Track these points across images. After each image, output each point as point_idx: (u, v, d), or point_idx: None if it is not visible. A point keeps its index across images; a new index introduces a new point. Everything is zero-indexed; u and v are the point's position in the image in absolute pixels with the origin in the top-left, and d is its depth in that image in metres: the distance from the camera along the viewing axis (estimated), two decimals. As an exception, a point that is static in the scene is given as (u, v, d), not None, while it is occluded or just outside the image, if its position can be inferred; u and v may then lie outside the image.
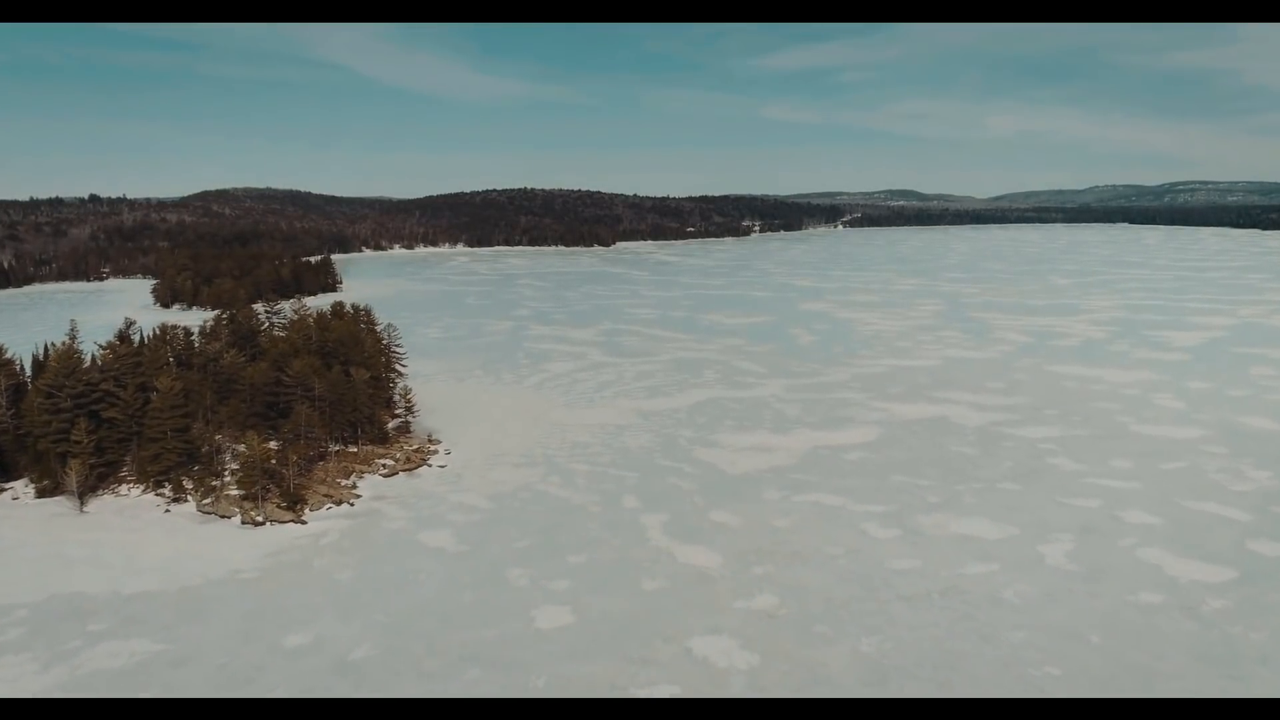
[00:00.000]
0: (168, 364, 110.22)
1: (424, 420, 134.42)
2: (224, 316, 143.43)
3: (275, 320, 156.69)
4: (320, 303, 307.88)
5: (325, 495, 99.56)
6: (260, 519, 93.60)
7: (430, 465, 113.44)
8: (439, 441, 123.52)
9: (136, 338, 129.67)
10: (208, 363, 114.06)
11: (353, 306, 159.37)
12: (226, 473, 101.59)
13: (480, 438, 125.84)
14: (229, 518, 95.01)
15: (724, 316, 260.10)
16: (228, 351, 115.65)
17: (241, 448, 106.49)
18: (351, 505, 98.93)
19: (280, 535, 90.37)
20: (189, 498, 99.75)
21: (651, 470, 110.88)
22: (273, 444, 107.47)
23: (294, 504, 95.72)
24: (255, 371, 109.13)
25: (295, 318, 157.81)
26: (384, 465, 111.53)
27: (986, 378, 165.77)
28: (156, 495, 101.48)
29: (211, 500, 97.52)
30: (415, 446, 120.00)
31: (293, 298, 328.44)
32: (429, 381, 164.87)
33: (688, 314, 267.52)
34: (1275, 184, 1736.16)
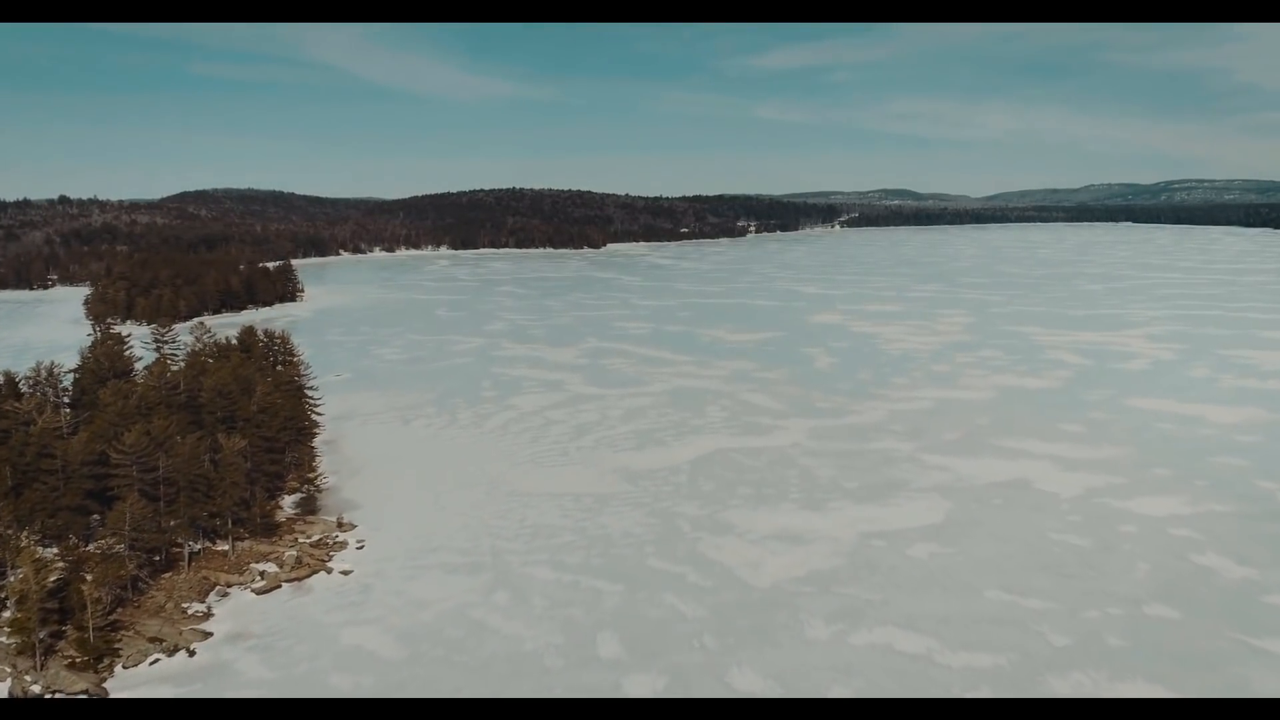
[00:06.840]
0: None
1: (342, 488, 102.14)
2: (89, 350, 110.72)
3: (166, 351, 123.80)
4: (273, 315, 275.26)
5: (153, 639, 66.65)
6: (38, 688, 60.87)
7: (331, 569, 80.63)
8: (353, 526, 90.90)
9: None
10: (15, 428, 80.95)
11: (265, 334, 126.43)
12: (9, 603, 68.76)
13: (410, 518, 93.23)
14: (-4, 682, 62.30)
15: (726, 332, 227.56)
16: (42, 411, 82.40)
17: (52, 552, 74.23)
18: (191, 654, 66.06)
19: (56, 723, 57.52)
20: (-47, 640, 67.01)
21: (640, 579, 78.37)
22: (94, 548, 74.75)
23: (97, 659, 62.99)
24: (71, 446, 76.07)
25: (197, 346, 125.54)
26: (261, 574, 78.69)
27: (1058, 417, 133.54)
28: (-89, 633, 68.68)
29: (-26, 652, 64.69)
30: (317, 537, 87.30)
31: (243, 309, 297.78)
32: (365, 424, 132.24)
33: (685, 328, 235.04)
34: (1271, 182, 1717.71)
